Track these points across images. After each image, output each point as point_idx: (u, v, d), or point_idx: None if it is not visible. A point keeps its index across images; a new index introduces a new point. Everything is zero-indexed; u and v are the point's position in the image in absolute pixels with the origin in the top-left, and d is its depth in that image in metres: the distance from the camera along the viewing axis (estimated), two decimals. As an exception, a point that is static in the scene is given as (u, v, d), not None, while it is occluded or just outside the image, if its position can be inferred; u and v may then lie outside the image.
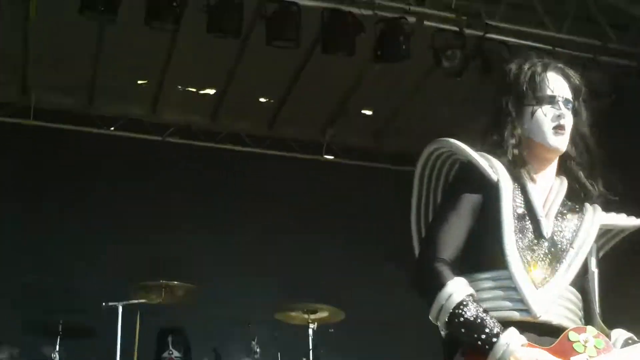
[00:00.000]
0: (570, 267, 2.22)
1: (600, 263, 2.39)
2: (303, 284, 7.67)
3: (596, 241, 2.36)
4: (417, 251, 2.42)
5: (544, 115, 2.31)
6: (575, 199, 2.36)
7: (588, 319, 2.29)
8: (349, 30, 6.13)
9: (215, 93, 8.20)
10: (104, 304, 5.98)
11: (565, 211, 2.32)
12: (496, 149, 2.32)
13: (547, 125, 2.30)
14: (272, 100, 8.46)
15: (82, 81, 7.78)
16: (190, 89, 8.14)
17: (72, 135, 8.00)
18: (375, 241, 8.29)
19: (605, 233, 2.41)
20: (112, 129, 8.27)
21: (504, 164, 2.28)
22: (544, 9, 6.90)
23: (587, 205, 2.37)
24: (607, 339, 2.19)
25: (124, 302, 6.02)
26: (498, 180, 2.24)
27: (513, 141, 2.30)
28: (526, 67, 2.36)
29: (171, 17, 5.68)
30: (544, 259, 2.20)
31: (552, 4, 7.02)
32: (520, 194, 2.27)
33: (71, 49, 7.20)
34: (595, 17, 7.04)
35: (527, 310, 2.13)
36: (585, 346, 2.12)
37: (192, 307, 6.95)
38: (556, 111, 2.31)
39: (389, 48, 6.29)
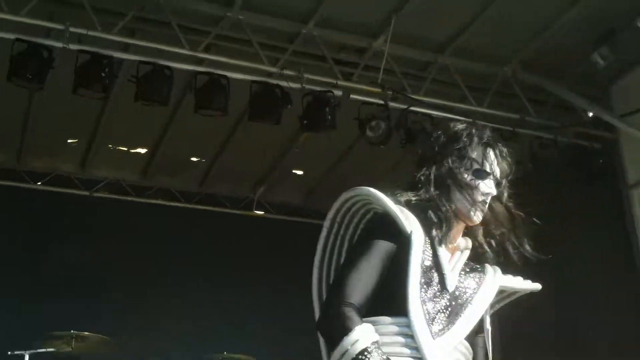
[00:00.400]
0: (467, 323, 2.30)
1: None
2: (224, 336, 7.73)
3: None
4: (314, 289, 2.49)
5: (476, 188, 2.42)
6: (477, 260, 2.49)
7: None
8: (276, 101, 6.28)
9: (146, 152, 8.25)
10: (9, 352, 5.89)
11: (468, 269, 2.42)
12: (419, 203, 2.39)
13: (476, 198, 2.42)
14: (203, 160, 8.55)
15: (10, 139, 7.74)
16: (121, 148, 8.17)
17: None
18: (302, 295, 8.38)
19: (499, 293, 2.49)
20: (40, 183, 8.23)
21: (417, 216, 2.36)
22: (467, 84, 7.19)
23: (488, 266, 2.48)
24: None
25: (31, 351, 5.91)
26: (411, 232, 2.30)
27: (448, 205, 2.40)
28: (476, 138, 2.47)
29: (100, 87, 5.73)
30: (444, 311, 2.27)
31: (475, 81, 7.33)
32: (429, 248, 2.35)
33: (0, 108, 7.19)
34: (515, 93, 7.37)
35: (422, 359, 2.19)
36: None
37: (106, 357, 6.91)
38: (487, 188, 2.43)
39: (315, 119, 6.45)
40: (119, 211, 8.47)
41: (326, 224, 2.48)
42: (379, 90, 6.82)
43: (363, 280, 2.21)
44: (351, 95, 6.72)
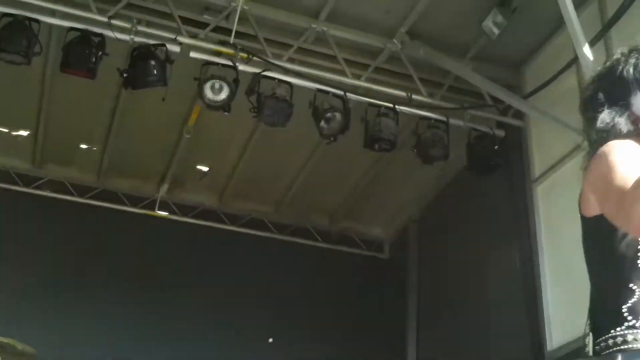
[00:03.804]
0: None
1: None
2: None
3: None
4: None
5: None
6: None
7: None
8: (90, 50, 5.73)
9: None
10: None
11: None
12: None
13: None
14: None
15: None
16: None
17: None
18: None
19: None
20: None
21: None
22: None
23: None
24: None
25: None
26: None
27: None
28: None
29: None
30: None
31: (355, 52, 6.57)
32: None
33: None
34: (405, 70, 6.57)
35: None
36: None
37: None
38: None
39: (137, 73, 5.84)
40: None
41: None
42: (230, 51, 6.19)
43: None
44: (192, 53, 6.10)
